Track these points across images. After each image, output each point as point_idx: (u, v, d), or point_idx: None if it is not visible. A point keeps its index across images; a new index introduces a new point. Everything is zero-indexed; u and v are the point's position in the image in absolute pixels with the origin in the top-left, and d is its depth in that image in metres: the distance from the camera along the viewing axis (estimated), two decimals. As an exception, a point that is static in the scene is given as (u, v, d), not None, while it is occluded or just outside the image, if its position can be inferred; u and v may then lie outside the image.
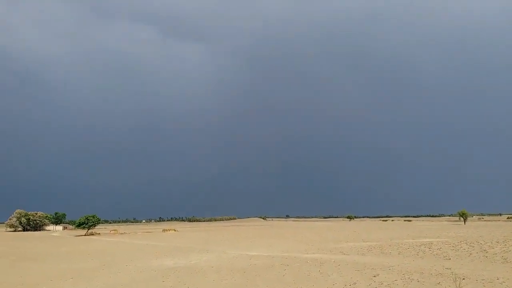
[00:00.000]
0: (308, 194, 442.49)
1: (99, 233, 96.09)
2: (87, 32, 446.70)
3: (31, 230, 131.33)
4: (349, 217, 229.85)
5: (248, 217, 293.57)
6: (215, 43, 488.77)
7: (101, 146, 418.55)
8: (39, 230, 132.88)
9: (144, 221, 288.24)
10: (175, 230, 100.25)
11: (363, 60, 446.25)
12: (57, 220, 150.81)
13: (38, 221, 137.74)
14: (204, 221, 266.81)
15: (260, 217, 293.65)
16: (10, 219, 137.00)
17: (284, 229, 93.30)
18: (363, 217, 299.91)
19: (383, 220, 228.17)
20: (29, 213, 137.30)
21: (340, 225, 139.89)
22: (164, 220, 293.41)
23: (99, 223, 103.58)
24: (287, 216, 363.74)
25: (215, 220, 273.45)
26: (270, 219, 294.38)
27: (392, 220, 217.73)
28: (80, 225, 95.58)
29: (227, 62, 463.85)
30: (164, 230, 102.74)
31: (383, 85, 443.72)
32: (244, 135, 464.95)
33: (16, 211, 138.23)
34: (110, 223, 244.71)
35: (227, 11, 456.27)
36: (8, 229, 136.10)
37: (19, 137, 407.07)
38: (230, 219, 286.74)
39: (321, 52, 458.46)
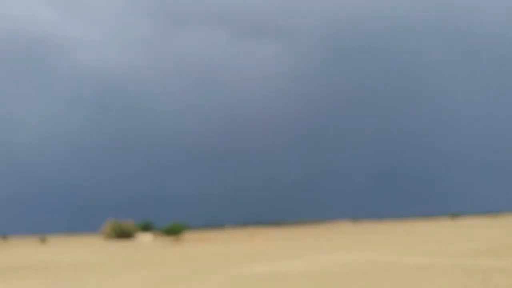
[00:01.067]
0: (404, 194, 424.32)
1: (187, 240, 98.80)
2: (164, 42, 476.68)
3: (124, 238, 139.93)
4: (452, 216, 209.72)
5: (338, 219, 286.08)
6: (295, 38, 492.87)
7: (183, 153, 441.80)
8: (131, 238, 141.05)
9: (229, 226, 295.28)
10: (261, 235, 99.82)
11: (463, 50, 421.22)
12: (146, 227, 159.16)
13: (129, 230, 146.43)
14: (290, 224, 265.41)
15: (351, 219, 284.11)
16: (104, 228, 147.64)
17: (378, 232, 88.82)
18: (468, 214, 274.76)
19: (491, 217, 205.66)
20: (121, 221, 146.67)
21: (441, 225, 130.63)
22: (249, 225, 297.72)
23: (186, 230, 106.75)
24: (381, 218, 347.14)
25: (303, 223, 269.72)
26: (362, 221, 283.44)
27: (503, 217, 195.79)
28: (168, 232, 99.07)
29: (307, 56, 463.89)
30: (250, 235, 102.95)
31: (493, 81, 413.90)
32: (330, 133, 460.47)
33: (109, 220, 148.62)
34: (197, 229, 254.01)
35: (304, 3, 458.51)
36: (103, 237, 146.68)
37: (112, 150, 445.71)
38: (319, 222, 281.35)
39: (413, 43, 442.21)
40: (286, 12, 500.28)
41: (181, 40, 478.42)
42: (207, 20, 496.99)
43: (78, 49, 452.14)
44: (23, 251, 79.39)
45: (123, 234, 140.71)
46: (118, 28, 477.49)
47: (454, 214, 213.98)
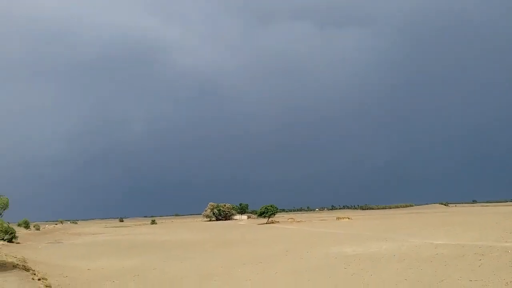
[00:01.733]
0: (499, 176, 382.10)
1: (278, 221, 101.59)
2: (252, 38, 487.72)
3: (222, 220, 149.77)
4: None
5: (427, 204, 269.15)
6: (376, 25, 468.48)
7: (272, 139, 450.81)
8: (229, 220, 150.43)
9: (317, 209, 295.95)
10: (349, 218, 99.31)
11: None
12: (242, 210, 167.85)
13: (227, 212, 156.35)
14: (377, 208, 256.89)
15: (441, 203, 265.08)
16: (205, 211, 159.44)
17: (470, 215, 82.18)
18: None
19: None
20: (219, 204, 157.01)
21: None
22: (336, 208, 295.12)
23: (277, 212, 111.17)
24: (474, 201, 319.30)
25: (390, 207, 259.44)
26: (453, 205, 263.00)
27: None
28: (261, 214, 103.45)
29: (389, 43, 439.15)
30: (338, 218, 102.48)
31: None
32: (417, 117, 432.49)
33: (209, 203, 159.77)
34: (287, 212, 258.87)
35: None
36: (204, 219, 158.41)
37: (208, 140, 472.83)
38: (407, 206, 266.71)
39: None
40: (368, 1, 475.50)
41: (268, 35, 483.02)
42: (291, 14, 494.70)
43: (177, 52, 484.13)
44: (138, 232, 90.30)
45: (222, 215, 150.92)
46: (211, 29, 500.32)
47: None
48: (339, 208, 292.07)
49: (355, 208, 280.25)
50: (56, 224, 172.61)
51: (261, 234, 59.64)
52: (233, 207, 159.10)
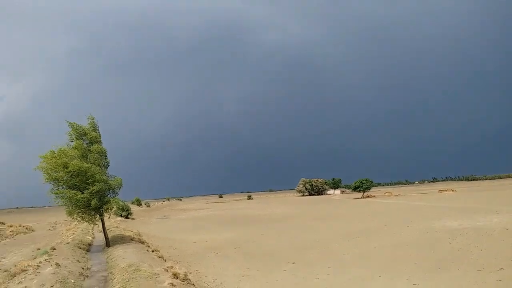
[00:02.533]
0: None
1: (374, 196, 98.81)
2: (339, 8, 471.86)
3: (315, 195, 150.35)
4: None
5: None
6: None
7: (366, 111, 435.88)
8: (321, 194, 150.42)
9: (417, 182, 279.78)
10: (452, 191, 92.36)
11: None
12: (335, 185, 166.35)
13: (319, 186, 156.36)
14: (485, 179, 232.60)
15: None
16: (298, 186, 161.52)
17: None
18: None
19: None
20: (312, 180, 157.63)
21: None
22: (438, 181, 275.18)
23: (373, 186, 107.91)
24: None
25: (500, 178, 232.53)
26: None
27: None
28: (355, 188, 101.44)
29: (480, 6, 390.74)
30: (440, 191, 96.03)
31: None
32: None
33: (301, 179, 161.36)
34: (383, 185, 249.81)
35: None
36: (297, 194, 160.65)
37: (301, 114, 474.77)
38: None
39: None
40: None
41: (354, 3, 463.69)
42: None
43: (266, 31, 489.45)
44: (236, 207, 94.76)
45: (315, 190, 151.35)
46: (297, 4, 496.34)
47: None
48: (441, 180, 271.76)
49: (460, 180, 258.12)
50: (164, 201, 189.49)
51: (357, 208, 58.65)
52: (325, 182, 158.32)
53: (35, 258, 21.20)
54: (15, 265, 20.42)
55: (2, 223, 59.05)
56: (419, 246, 21.25)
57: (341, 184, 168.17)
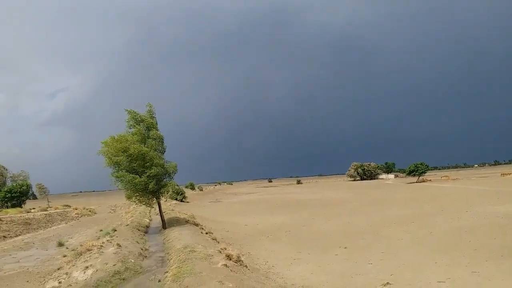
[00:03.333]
0: None
1: (430, 180, 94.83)
2: None
3: (367, 179, 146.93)
4: None
5: None
6: None
7: (420, 96, 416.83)
8: (374, 179, 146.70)
9: (476, 165, 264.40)
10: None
11: None
12: (388, 169, 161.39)
13: (372, 171, 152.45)
14: None
15: None
16: (349, 170, 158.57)
17: None
18: None
19: None
20: (363, 164, 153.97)
21: None
22: (500, 164, 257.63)
23: (429, 170, 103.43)
24: None
25: None
26: None
27: None
28: (410, 172, 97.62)
29: None
30: (503, 174, 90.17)
31: None
32: None
33: (352, 163, 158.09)
34: (440, 169, 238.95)
35: None
36: (348, 179, 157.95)
37: (350, 98, 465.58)
38: None
39: None
40: None
41: None
42: None
43: (314, 11, 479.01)
44: (286, 191, 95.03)
45: (367, 175, 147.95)
46: None
47: None
48: (504, 163, 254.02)
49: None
50: (215, 186, 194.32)
51: (411, 193, 56.63)
52: (378, 166, 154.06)
53: (98, 238, 22.67)
54: (81, 245, 21.97)
55: (68, 206, 63.73)
56: (479, 232, 20.12)
57: (394, 168, 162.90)
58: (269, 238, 24.92)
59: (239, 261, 14.66)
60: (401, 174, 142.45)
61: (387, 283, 12.52)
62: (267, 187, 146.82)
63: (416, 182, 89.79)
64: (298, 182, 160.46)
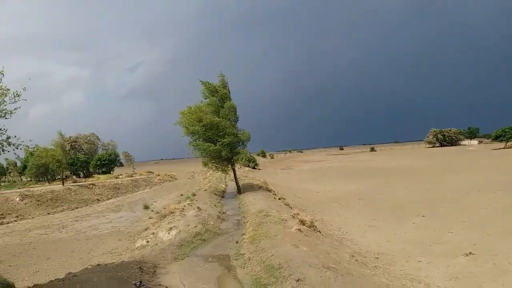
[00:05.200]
0: None
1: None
2: None
3: (447, 146, 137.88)
4: None
5: None
6: None
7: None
8: (455, 145, 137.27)
9: None
10: None
11: None
12: (471, 134, 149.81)
13: (452, 137, 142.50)
14: None
15: None
16: (427, 137, 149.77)
17: None
18: None
19: None
20: (443, 130, 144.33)
21: None
22: None
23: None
24: None
25: None
26: None
27: None
28: (497, 138, 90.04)
29: None
30: None
31: None
32: None
33: (431, 129, 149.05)
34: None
35: None
36: (427, 145, 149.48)
37: (428, 61, 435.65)
38: None
39: None
40: None
41: None
42: None
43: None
44: (358, 159, 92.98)
45: (447, 141, 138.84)
46: None
47: None
48: None
49: None
50: (286, 153, 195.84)
51: (497, 159, 52.24)
52: (460, 132, 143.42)
53: (179, 202, 24.31)
54: (164, 208, 23.77)
55: (151, 172, 68.74)
56: None
57: (478, 133, 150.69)
58: (341, 205, 24.83)
59: (313, 226, 14.88)
60: (486, 140, 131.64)
61: (470, 252, 11.95)
62: (338, 155, 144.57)
63: (504, 148, 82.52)
64: (372, 150, 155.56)
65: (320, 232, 15.02)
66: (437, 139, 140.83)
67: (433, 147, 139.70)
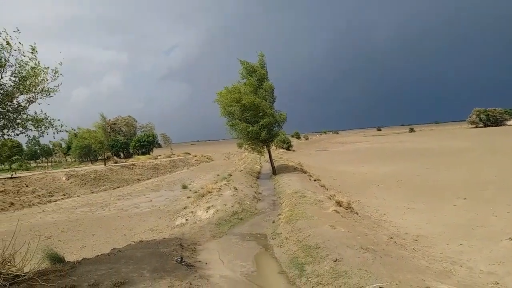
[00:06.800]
0: None
1: None
2: None
3: (492, 126, 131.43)
4: None
5: None
6: None
7: None
8: (500, 126, 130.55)
9: None
10: None
11: None
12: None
13: (498, 117, 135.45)
14: None
15: None
16: (469, 117, 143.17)
17: None
18: None
19: None
20: (488, 109, 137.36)
21: None
22: None
23: None
24: None
25: None
26: None
27: None
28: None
29: None
30: None
31: None
32: None
33: (474, 109, 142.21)
34: None
35: None
36: (469, 126, 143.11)
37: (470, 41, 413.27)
38: None
39: None
40: None
41: None
42: None
43: None
44: (397, 140, 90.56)
45: (491, 121, 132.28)
46: None
47: None
48: None
49: None
50: (321, 135, 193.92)
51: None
52: (506, 111, 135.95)
53: (216, 182, 24.78)
54: (201, 188, 24.34)
55: (188, 153, 70.28)
56: None
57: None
58: (379, 187, 24.42)
59: (350, 207, 14.80)
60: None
61: (516, 237, 11.50)
62: (376, 135, 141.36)
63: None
64: (411, 130, 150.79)
65: (357, 214, 14.91)
66: (481, 119, 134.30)
67: (476, 127, 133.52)
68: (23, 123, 7.71)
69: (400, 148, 61.10)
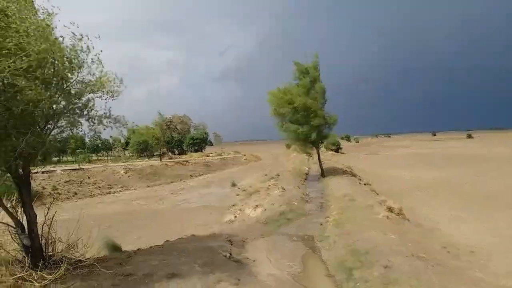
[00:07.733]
0: None
1: None
2: None
3: None
4: None
5: None
6: None
7: None
8: None
9: None
10: None
11: None
12: None
13: None
14: None
15: None
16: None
17: None
18: None
19: None
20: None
21: None
22: None
23: None
24: None
25: None
26: None
27: None
28: None
29: None
30: None
31: None
32: None
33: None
34: None
35: None
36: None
37: None
38: None
39: None
40: None
41: None
42: None
43: None
44: (449, 145, 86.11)
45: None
46: None
47: None
48: None
49: None
50: (372, 138, 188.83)
51: None
52: None
53: (264, 182, 25.13)
54: (250, 186, 24.79)
55: (238, 152, 71.49)
56: None
57: None
58: (428, 194, 23.49)
59: (401, 214, 14.44)
60: None
61: None
62: (429, 141, 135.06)
63: None
64: (469, 136, 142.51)
65: (409, 221, 14.53)
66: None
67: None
68: (101, 119, 8.30)
69: (454, 153, 58.06)
